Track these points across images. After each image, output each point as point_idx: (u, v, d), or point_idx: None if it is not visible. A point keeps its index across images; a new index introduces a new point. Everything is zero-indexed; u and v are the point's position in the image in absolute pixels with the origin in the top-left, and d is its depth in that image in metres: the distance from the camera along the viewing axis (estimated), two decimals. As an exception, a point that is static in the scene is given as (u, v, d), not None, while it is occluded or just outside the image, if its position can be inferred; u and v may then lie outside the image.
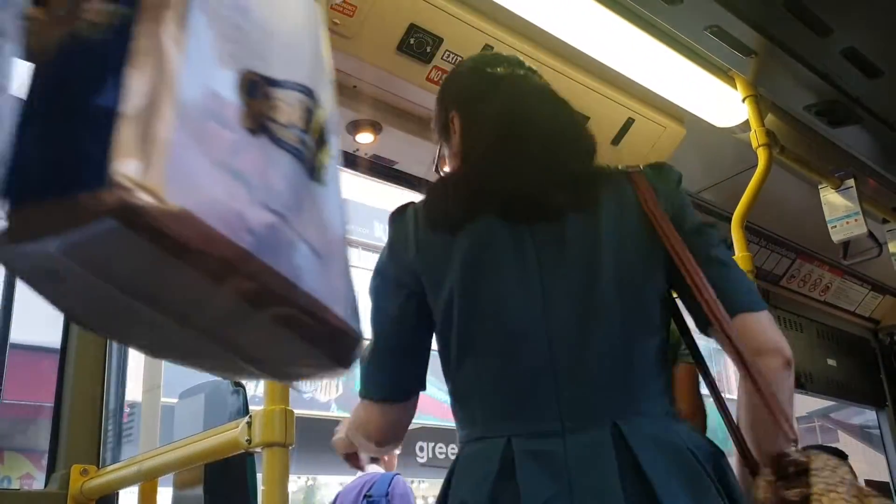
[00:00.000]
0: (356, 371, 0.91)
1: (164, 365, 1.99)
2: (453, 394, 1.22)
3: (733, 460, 1.21)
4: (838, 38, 2.18)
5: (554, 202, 1.22)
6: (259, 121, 0.65)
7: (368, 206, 14.13)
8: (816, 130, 2.67)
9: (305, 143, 0.70)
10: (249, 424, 1.23)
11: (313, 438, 4.10)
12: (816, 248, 3.95)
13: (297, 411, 1.24)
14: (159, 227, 0.53)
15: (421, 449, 9.90)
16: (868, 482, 3.87)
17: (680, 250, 1.25)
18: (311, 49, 0.82)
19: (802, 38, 2.18)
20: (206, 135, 0.59)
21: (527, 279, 1.17)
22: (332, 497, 3.94)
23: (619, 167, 1.36)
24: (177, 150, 0.56)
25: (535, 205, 1.21)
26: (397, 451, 3.76)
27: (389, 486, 3.55)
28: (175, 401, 1.87)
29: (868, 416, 5.34)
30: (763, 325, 1.24)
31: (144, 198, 0.52)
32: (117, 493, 1.82)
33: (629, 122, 2.68)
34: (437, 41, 2.20)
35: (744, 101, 2.47)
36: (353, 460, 1.56)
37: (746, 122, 2.51)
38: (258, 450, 1.23)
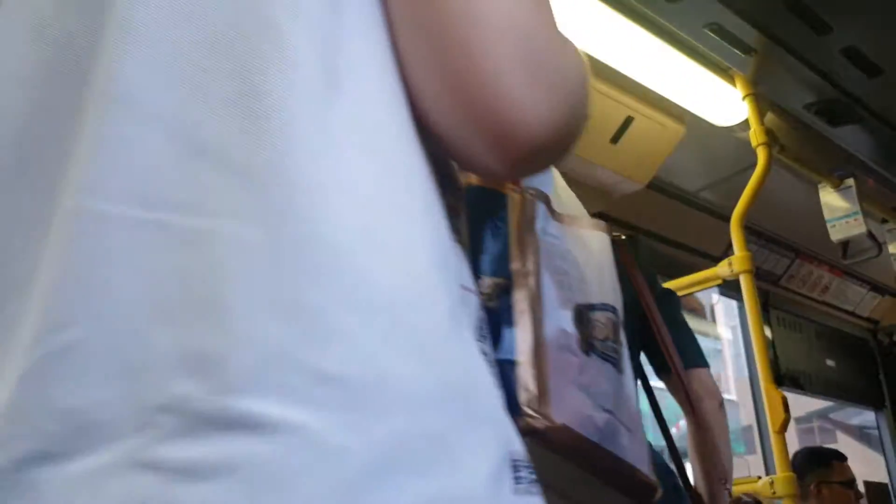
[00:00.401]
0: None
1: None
2: None
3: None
4: (838, 37, 2.17)
5: None
6: (589, 342, 0.94)
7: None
8: (816, 129, 2.66)
9: (615, 349, 0.99)
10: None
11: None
12: (816, 248, 3.94)
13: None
14: (550, 439, 0.83)
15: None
16: (866, 483, 3.87)
17: (653, 310, 1.58)
18: (608, 272, 1.07)
19: (802, 36, 2.17)
20: (564, 363, 0.88)
21: None
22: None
23: None
24: (553, 381, 0.85)
25: None
26: None
27: None
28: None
29: (866, 417, 5.35)
30: (706, 378, 1.81)
31: (541, 421, 0.83)
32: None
33: (628, 121, 2.67)
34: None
35: (743, 99, 2.47)
36: None
37: (746, 121, 2.51)
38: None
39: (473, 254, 0.94)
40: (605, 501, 0.99)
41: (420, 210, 0.48)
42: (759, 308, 2.35)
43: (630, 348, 1.35)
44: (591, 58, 2.39)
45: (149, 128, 0.44)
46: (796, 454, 3.30)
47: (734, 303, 3.62)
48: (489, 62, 0.48)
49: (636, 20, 2.21)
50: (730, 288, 2.77)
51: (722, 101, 2.58)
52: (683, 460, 1.74)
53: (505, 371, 0.82)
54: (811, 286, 4.14)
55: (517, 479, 0.45)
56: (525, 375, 0.83)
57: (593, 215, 2.91)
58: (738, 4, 2.06)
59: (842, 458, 3.24)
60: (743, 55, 2.27)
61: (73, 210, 0.44)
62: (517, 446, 0.47)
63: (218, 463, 0.38)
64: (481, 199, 0.98)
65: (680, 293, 2.65)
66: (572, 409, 0.86)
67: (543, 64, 0.51)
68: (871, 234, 2.91)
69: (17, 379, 0.42)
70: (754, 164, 2.46)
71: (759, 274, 3.50)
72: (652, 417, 1.67)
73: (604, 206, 2.96)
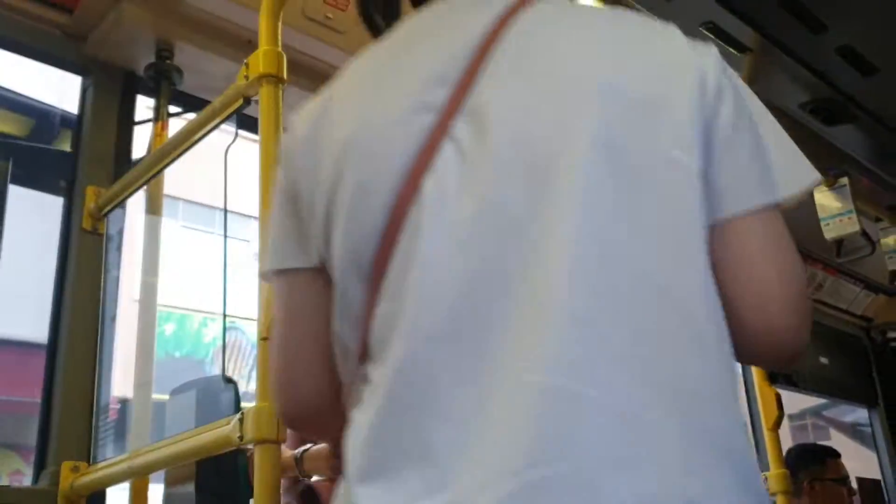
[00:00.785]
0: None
1: (155, 361, 1.98)
2: None
3: None
4: (833, 36, 2.18)
5: None
6: None
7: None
8: (811, 128, 2.67)
9: None
10: (241, 421, 1.22)
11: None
12: (809, 246, 3.95)
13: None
14: None
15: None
16: (859, 480, 3.88)
17: None
18: None
19: (798, 35, 2.17)
20: None
21: None
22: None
23: None
24: None
25: None
26: None
27: None
28: (165, 397, 1.86)
29: (860, 415, 5.36)
30: None
31: None
32: (104, 491, 1.80)
33: (623, 119, 2.67)
34: (432, 36, 2.19)
35: (738, 98, 2.47)
36: None
37: (741, 120, 2.51)
38: (250, 446, 1.22)
39: None
40: None
41: None
42: (753, 306, 2.36)
43: None
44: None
45: (594, 343, 0.67)
46: (789, 451, 3.31)
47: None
48: (784, 305, 0.76)
49: (632, 19, 2.22)
50: (724, 286, 2.76)
51: (717, 100, 2.59)
52: None
53: None
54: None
55: None
56: None
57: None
58: (734, 3, 2.07)
59: (835, 455, 3.25)
60: (738, 54, 2.28)
61: (539, 383, 0.65)
62: None
63: None
64: None
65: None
66: None
67: (807, 307, 0.78)
68: (864, 233, 2.92)
69: (505, 495, 0.62)
70: (749, 163, 2.47)
71: (753, 272, 3.51)
72: None
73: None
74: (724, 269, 0.74)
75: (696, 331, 0.69)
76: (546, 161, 0.70)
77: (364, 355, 0.76)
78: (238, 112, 1.50)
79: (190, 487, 1.66)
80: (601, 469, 0.62)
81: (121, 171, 1.97)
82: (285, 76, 1.38)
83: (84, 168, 1.98)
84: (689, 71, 0.77)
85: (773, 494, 2.17)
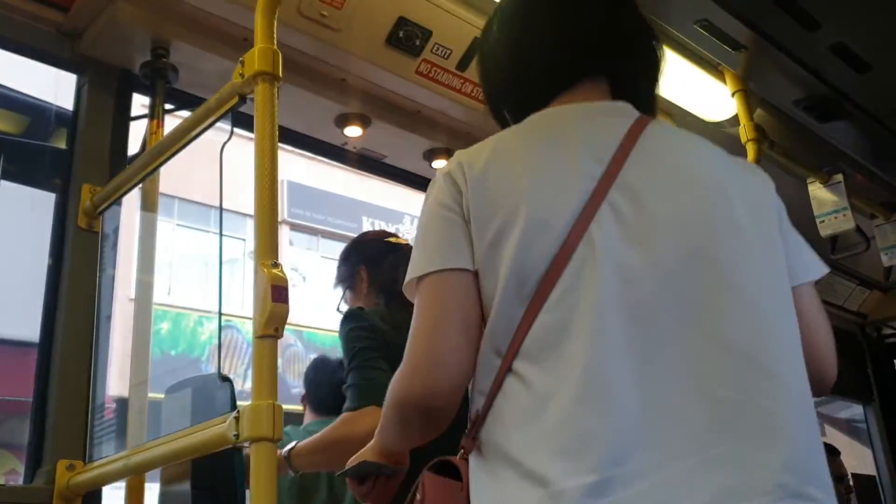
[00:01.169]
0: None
1: (150, 360, 1.98)
2: None
3: None
4: (827, 33, 2.18)
5: None
6: None
7: (356, 200, 14.12)
8: (805, 125, 2.67)
9: None
10: (237, 419, 1.22)
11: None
12: (804, 243, 3.96)
13: (286, 406, 1.24)
14: None
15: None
16: (854, 476, 3.89)
17: None
18: None
19: (791, 32, 2.18)
20: None
21: None
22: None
23: None
24: None
25: None
26: None
27: None
28: (161, 396, 1.86)
29: (855, 411, 5.37)
30: None
31: None
32: (100, 490, 1.80)
33: (619, 117, 2.67)
34: (427, 34, 2.19)
35: (733, 95, 2.47)
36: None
37: (735, 117, 2.51)
38: (246, 444, 1.22)
39: None
40: None
41: None
42: (748, 303, 2.36)
43: None
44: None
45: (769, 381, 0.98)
46: (786, 447, 3.31)
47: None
48: (833, 351, 1.19)
49: (627, 16, 2.22)
50: (719, 283, 2.77)
51: (711, 97, 2.59)
52: None
53: None
54: (800, 281, 4.16)
55: None
56: None
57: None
58: (728, 1, 2.07)
59: (834, 452, 3.25)
60: (732, 51, 2.28)
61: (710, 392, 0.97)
62: None
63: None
64: None
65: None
66: None
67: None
68: (859, 230, 2.92)
69: (686, 468, 0.91)
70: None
71: (748, 269, 3.52)
72: None
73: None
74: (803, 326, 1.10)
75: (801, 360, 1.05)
76: (698, 232, 1.02)
77: (515, 355, 0.98)
78: (233, 110, 1.50)
79: (186, 486, 1.66)
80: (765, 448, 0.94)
81: (116, 169, 1.97)
82: (281, 74, 1.38)
83: (79, 165, 1.97)
84: (768, 185, 1.16)
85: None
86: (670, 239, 1.00)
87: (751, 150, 2.45)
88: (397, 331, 1.66)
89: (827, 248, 3.10)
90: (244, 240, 11.99)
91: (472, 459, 1.02)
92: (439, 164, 2.57)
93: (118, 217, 2.02)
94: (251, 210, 1.30)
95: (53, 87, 2.26)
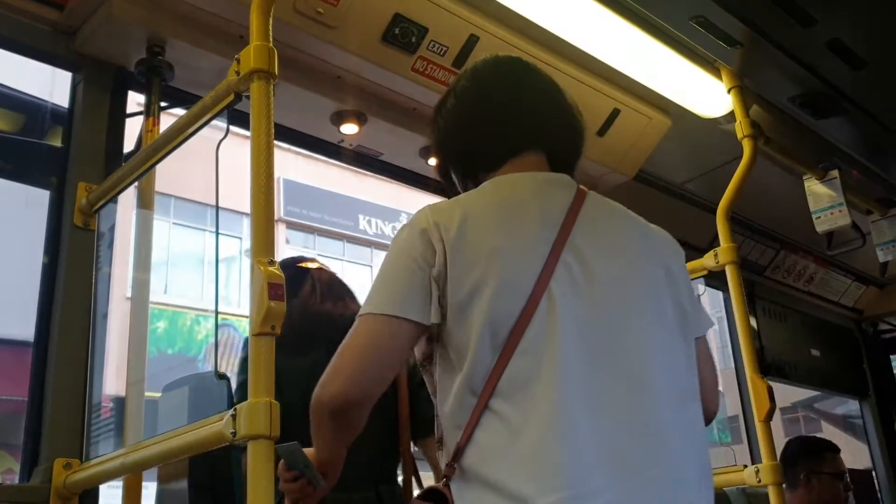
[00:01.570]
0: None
1: (147, 359, 1.97)
2: None
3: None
4: (823, 30, 2.18)
5: None
6: None
7: (353, 198, 14.11)
8: (801, 122, 2.68)
9: None
10: (234, 417, 1.22)
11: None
12: (801, 239, 3.97)
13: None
14: None
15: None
16: (851, 471, 3.90)
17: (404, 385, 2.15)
18: None
19: (787, 29, 2.18)
20: None
21: None
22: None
23: None
24: None
25: None
26: None
27: None
28: (158, 395, 1.85)
29: (851, 406, 5.39)
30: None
31: None
32: (97, 488, 1.80)
33: (615, 113, 2.68)
34: (423, 31, 2.19)
35: (729, 92, 2.47)
36: None
37: (731, 114, 2.51)
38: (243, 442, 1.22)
39: None
40: None
41: None
42: (744, 299, 2.37)
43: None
44: (578, 50, 2.40)
45: (672, 412, 1.22)
46: (789, 442, 3.32)
47: (720, 293, 3.63)
48: (716, 393, 1.43)
49: (623, 13, 2.22)
50: (716, 279, 2.78)
51: (708, 94, 2.60)
52: None
53: None
54: (796, 277, 4.17)
55: None
56: None
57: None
58: (724, -3, 2.07)
59: (835, 449, 3.24)
60: (728, 48, 2.28)
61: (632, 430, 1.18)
62: None
63: None
64: None
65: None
66: None
67: None
68: (855, 226, 2.93)
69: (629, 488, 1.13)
70: (740, 157, 2.47)
71: (744, 265, 3.52)
72: None
73: (591, 198, 2.97)
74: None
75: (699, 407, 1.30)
76: (628, 291, 1.25)
77: (491, 394, 1.15)
78: (229, 107, 1.50)
79: (183, 483, 1.66)
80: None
81: (112, 167, 1.97)
82: (276, 71, 1.38)
83: (75, 163, 1.97)
84: (678, 252, 1.40)
85: (765, 486, 2.18)
86: (609, 295, 1.23)
87: (747, 146, 2.45)
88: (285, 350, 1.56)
89: (823, 243, 3.11)
90: (241, 238, 11.98)
91: (455, 485, 1.18)
92: (435, 161, 2.57)
93: (114, 215, 2.02)
94: (247, 208, 1.30)
95: (49, 84, 2.26)
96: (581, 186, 1.35)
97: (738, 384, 3.60)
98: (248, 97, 1.39)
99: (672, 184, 3.31)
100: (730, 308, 3.43)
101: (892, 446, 4.42)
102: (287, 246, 13.28)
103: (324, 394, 1.20)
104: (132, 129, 2.08)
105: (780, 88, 2.54)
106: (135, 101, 2.12)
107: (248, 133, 1.36)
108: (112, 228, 2.01)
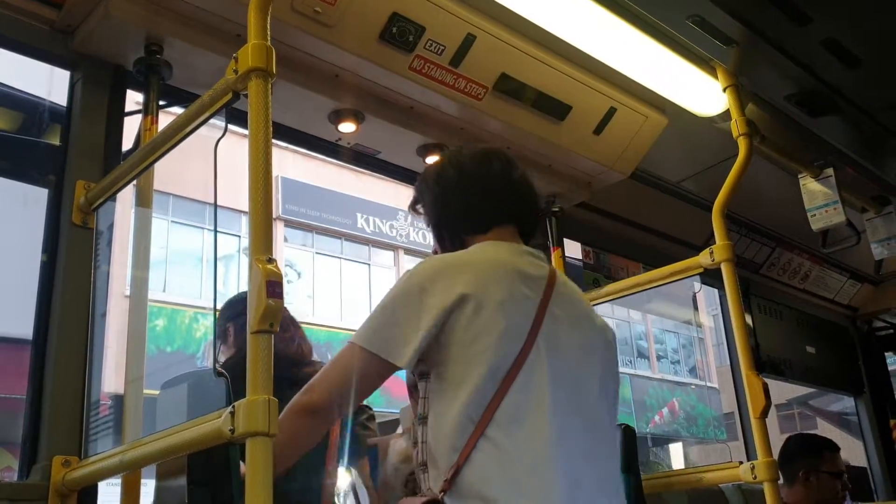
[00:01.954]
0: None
1: (146, 356, 1.98)
2: None
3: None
4: (818, 28, 2.19)
5: None
6: None
7: (351, 196, 14.11)
8: (796, 120, 2.69)
9: None
10: (233, 414, 1.23)
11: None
12: (796, 237, 3.98)
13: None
14: None
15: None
16: (847, 467, 3.91)
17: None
18: None
19: (783, 27, 2.19)
20: None
21: None
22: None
23: None
24: None
25: None
26: None
27: None
28: (156, 393, 1.86)
29: (846, 403, 5.41)
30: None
31: None
32: (96, 485, 1.81)
33: (611, 112, 2.68)
34: (420, 30, 2.20)
35: (724, 90, 2.48)
36: None
37: (727, 112, 2.52)
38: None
39: None
40: None
41: None
42: (740, 296, 2.38)
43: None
44: (574, 49, 2.41)
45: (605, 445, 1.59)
46: (789, 439, 3.33)
47: (716, 291, 3.64)
48: None
49: (619, 12, 2.23)
50: (711, 276, 2.79)
51: (703, 92, 2.61)
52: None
53: None
54: (791, 274, 4.18)
55: None
56: None
57: (576, 206, 2.98)
58: (720, -4, 2.08)
59: (834, 448, 3.25)
60: (724, 46, 2.29)
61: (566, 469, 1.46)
62: None
63: None
64: None
65: (662, 282, 2.68)
66: None
67: None
68: (850, 223, 2.94)
69: None
70: (735, 155, 2.48)
71: (740, 262, 3.54)
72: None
73: (587, 196, 2.98)
74: None
75: None
76: (585, 356, 1.57)
77: (488, 423, 1.38)
78: (227, 106, 1.50)
79: (182, 481, 1.66)
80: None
81: (110, 166, 1.97)
82: (274, 70, 1.39)
83: (73, 162, 1.97)
84: (611, 329, 1.68)
85: (760, 482, 2.19)
86: (574, 359, 1.53)
87: (742, 144, 2.46)
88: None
89: (818, 241, 3.12)
90: (239, 236, 11.97)
91: (451, 500, 1.37)
92: (432, 159, 2.57)
93: (112, 213, 2.02)
94: (246, 206, 1.30)
95: (47, 82, 2.26)
96: (551, 265, 1.68)
97: (734, 381, 3.61)
98: (246, 96, 1.40)
99: (668, 182, 3.32)
100: (725, 305, 3.43)
101: (887, 443, 4.44)
102: (285, 244, 13.28)
103: (302, 396, 1.47)
104: (130, 128, 2.08)
105: (775, 87, 2.55)
106: (133, 99, 2.12)
107: (246, 131, 1.36)
108: (110, 226, 2.02)
